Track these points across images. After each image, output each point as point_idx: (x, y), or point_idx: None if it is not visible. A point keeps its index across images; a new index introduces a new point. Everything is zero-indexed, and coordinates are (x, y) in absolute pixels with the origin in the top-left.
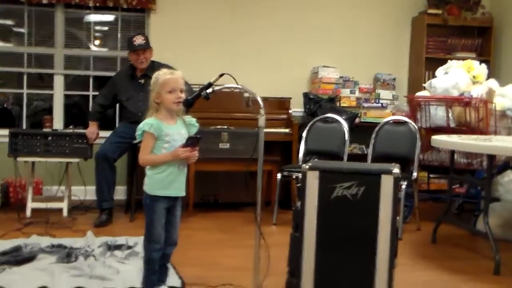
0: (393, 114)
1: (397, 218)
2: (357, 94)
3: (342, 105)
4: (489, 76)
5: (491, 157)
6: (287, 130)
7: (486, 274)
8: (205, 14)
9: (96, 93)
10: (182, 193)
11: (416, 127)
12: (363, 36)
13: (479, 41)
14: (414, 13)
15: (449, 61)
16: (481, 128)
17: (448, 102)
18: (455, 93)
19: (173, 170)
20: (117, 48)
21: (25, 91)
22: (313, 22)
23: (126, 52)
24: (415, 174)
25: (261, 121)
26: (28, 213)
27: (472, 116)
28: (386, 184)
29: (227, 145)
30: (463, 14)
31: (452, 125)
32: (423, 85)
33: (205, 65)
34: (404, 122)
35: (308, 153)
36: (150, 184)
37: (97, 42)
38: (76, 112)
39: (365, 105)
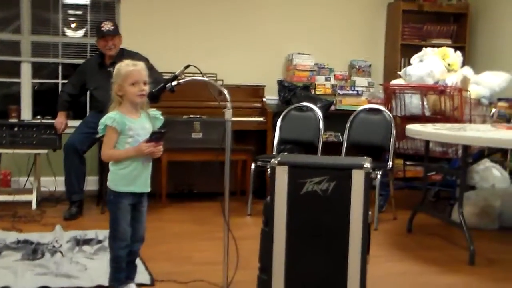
0: (369, 102)
1: (369, 213)
2: (332, 81)
3: (317, 92)
4: (464, 64)
5: (466, 147)
6: (261, 119)
7: (461, 264)
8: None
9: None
10: (147, 188)
11: (391, 116)
12: (338, 22)
13: (455, 28)
14: None
15: (424, 48)
16: (456, 116)
17: (423, 90)
18: (430, 81)
19: (137, 166)
20: (87, 35)
21: None
22: (288, 8)
23: (96, 39)
24: (390, 163)
25: (228, 114)
26: None
27: (447, 104)
28: (357, 179)
29: (200, 135)
30: (439, 0)
31: (427, 113)
32: (398, 73)
33: (177, 52)
34: (379, 111)
35: (283, 142)
36: (113, 180)
37: (66, 28)
38: (45, 101)
39: (341, 92)
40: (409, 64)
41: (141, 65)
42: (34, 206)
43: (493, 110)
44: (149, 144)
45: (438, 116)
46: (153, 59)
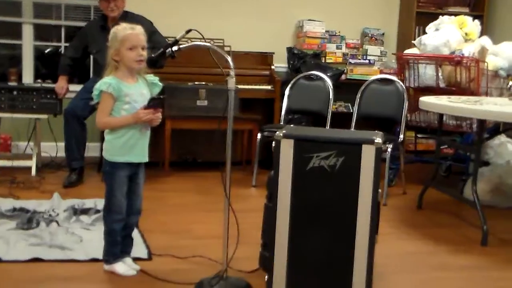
0: (381, 72)
1: (379, 191)
2: (343, 49)
3: (327, 61)
4: (482, 33)
5: (482, 122)
6: (269, 87)
7: (474, 245)
8: None
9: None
10: (144, 158)
11: (404, 87)
12: None
13: None
14: None
15: (440, 16)
16: (472, 88)
17: (438, 60)
18: (445, 51)
19: (134, 134)
20: None
21: None
22: None
23: (98, 0)
24: (401, 136)
25: (231, 83)
26: None
27: (463, 76)
28: (367, 154)
29: (205, 103)
30: None
31: (442, 85)
32: (413, 42)
33: (183, 16)
34: (392, 81)
35: (291, 112)
36: (109, 150)
37: None
38: (49, 65)
39: (352, 61)
40: (424, 33)
41: (139, 28)
42: (33, 172)
43: (511, 83)
44: (147, 111)
45: (453, 88)
46: (158, 23)
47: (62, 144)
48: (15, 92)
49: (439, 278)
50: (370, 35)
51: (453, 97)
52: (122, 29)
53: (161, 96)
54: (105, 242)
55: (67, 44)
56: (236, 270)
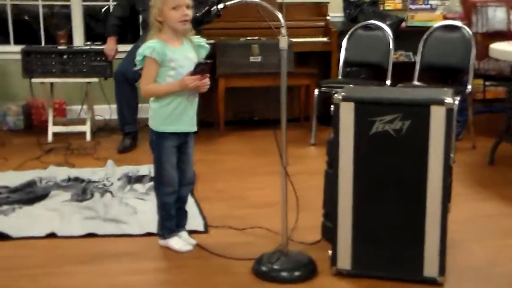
0: (444, 17)
1: (451, 156)
2: None
3: (386, 8)
4: None
5: None
6: (325, 39)
7: None
8: None
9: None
10: (193, 127)
11: (471, 33)
12: None
13: None
14: None
15: None
16: None
17: (510, 2)
18: None
19: (181, 102)
20: None
21: (40, 2)
22: None
23: None
24: (469, 87)
25: (283, 42)
26: (50, 138)
27: None
28: (437, 117)
29: (258, 59)
30: None
31: None
32: None
33: None
34: (457, 27)
35: (349, 65)
36: (155, 119)
37: None
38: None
39: (412, 7)
40: None
41: None
42: (88, 137)
43: None
44: (194, 77)
45: None
46: None
47: (115, 107)
48: (65, 56)
49: None
50: None
51: None
52: None
53: (208, 61)
54: (159, 216)
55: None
56: (297, 242)
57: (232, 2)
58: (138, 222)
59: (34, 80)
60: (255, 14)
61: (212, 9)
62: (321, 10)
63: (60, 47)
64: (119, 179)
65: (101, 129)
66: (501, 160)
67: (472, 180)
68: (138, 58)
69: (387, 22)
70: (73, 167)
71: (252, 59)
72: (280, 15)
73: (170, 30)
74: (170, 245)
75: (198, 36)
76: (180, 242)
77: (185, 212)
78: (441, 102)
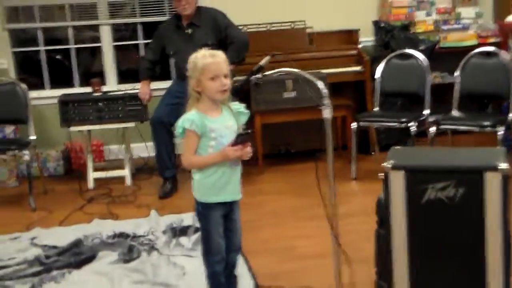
0: (478, 36)
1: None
2: (434, 16)
3: (417, 31)
4: None
5: None
6: (358, 68)
7: None
8: None
9: (147, 41)
10: (238, 196)
11: (508, 58)
12: None
13: None
14: None
15: None
16: None
17: None
18: None
19: (224, 171)
20: None
21: (72, 46)
22: None
23: None
24: (511, 114)
25: (327, 113)
26: (91, 184)
27: None
28: (492, 184)
29: (293, 94)
30: None
31: None
32: None
33: (259, 2)
34: (494, 53)
35: (385, 95)
36: (200, 190)
37: None
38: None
39: (444, 27)
40: None
41: (220, 55)
42: (128, 182)
43: None
44: (235, 148)
45: None
46: (231, 12)
47: (151, 144)
48: (100, 104)
49: None
50: None
51: None
52: (201, 58)
53: (249, 131)
54: (209, 285)
55: (145, 42)
56: None
57: (271, 72)
58: (188, 285)
59: (72, 128)
60: (286, 46)
61: (251, 78)
62: (351, 37)
63: (95, 94)
64: (164, 232)
65: (139, 170)
66: None
67: None
68: (179, 130)
69: (421, 48)
70: (116, 218)
71: (285, 95)
72: (322, 85)
73: (209, 100)
74: None
75: (237, 102)
76: None
77: (235, 278)
78: (494, 168)
